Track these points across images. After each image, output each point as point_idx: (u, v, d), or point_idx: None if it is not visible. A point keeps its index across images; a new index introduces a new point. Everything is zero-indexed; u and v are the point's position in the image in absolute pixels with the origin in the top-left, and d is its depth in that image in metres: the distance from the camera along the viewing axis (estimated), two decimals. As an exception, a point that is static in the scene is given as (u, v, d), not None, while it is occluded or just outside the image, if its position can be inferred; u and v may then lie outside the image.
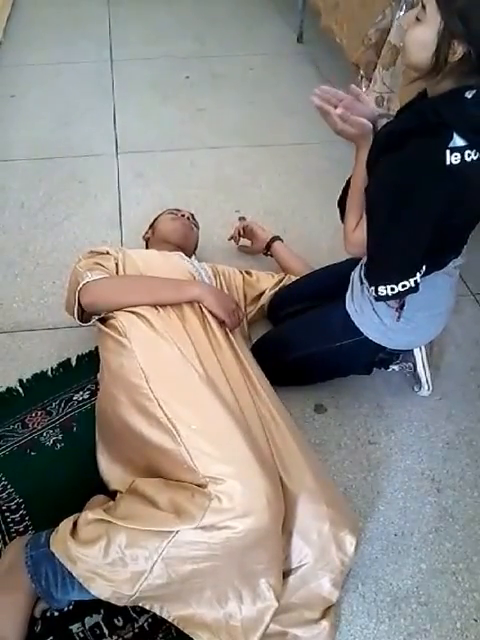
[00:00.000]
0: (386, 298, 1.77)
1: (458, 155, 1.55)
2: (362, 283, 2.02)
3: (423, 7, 1.52)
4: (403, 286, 1.73)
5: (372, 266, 1.82)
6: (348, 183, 1.94)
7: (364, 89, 3.24)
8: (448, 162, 1.55)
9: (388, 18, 2.96)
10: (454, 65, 1.52)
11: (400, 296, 1.77)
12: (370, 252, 1.79)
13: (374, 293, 1.78)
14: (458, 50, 1.49)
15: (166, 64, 4.58)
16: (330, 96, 1.80)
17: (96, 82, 4.32)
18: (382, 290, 1.76)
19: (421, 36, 1.54)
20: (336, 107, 1.77)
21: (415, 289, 1.74)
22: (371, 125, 1.78)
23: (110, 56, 4.65)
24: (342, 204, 1.98)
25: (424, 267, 1.75)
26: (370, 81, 3.16)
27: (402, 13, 2.79)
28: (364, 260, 2.04)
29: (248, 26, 5.19)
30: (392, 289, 1.74)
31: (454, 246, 1.89)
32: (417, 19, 1.54)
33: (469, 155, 1.56)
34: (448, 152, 1.55)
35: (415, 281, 1.73)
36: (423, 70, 1.58)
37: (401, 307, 1.93)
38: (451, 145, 1.55)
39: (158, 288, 2.09)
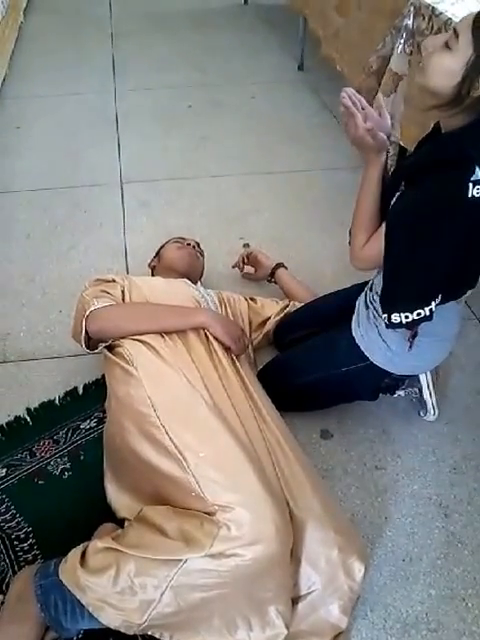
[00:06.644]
0: (399, 325, 1.76)
1: None
2: (368, 308, 2.03)
3: (456, 35, 1.51)
4: (418, 314, 1.72)
5: (388, 294, 1.80)
6: None
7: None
8: (470, 194, 1.54)
9: (389, 46, 2.99)
10: (474, 100, 1.52)
11: (414, 324, 1.75)
12: (386, 280, 1.78)
13: (387, 320, 1.77)
14: None
15: (168, 94, 4.65)
16: (356, 100, 1.77)
17: (100, 113, 4.39)
18: (396, 317, 1.75)
19: (449, 64, 1.52)
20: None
21: (429, 318, 1.73)
22: (389, 143, 1.79)
23: (114, 87, 4.72)
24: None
25: (440, 296, 1.74)
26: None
27: (402, 41, 2.83)
28: (371, 285, 2.05)
29: (249, 55, 5.27)
30: (406, 317, 1.73)
31: (475, 276, 1.88)
32: (447, 45, 1.53)
33: None
34: (471, 185, 1.53)
35: (430, 310, 1.72)
36: (443, 98, 1.56)
37: (414, 336, 1.92)
38: (474, 178, 1.53)
39: (164, 315, 2.10)
